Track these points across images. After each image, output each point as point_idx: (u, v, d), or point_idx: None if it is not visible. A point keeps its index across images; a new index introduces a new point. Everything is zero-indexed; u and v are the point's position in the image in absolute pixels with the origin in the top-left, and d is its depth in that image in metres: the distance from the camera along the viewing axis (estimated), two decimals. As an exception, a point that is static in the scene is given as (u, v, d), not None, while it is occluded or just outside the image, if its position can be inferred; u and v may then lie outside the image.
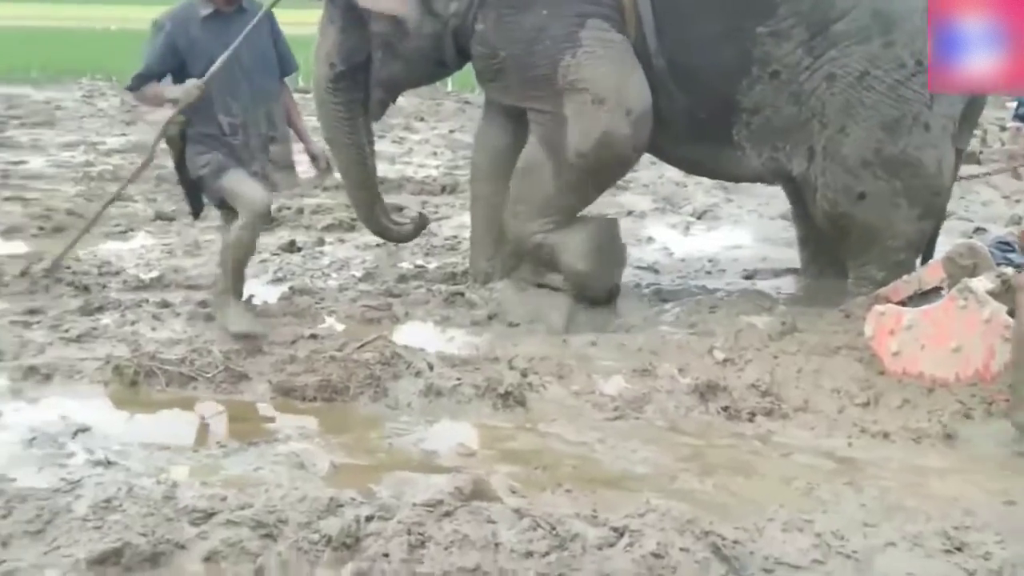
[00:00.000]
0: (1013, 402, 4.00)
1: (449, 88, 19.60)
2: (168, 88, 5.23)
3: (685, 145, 5.76)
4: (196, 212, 5.66)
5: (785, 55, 5.25)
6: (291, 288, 6.01)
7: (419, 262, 6.78)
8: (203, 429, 4.15)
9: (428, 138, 13.00)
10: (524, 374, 4.65)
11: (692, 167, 6.28)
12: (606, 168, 5.61)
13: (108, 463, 3.68)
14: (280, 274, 6.44)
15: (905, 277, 5.04)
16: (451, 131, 13.63)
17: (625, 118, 5.39)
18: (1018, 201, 8.95)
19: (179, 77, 5.21)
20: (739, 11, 5.27)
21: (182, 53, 5.18)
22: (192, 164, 5.28)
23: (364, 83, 5.90)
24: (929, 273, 4.87)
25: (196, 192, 5.44)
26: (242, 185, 5.20)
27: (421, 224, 6.54)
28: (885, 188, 5.34)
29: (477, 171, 6.20)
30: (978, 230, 7.54)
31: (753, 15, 5.25)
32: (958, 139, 5.51)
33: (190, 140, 5.25)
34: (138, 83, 5.23)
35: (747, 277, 6.56)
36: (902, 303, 4.75)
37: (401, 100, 16.98)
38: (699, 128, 5.58)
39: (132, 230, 7.62)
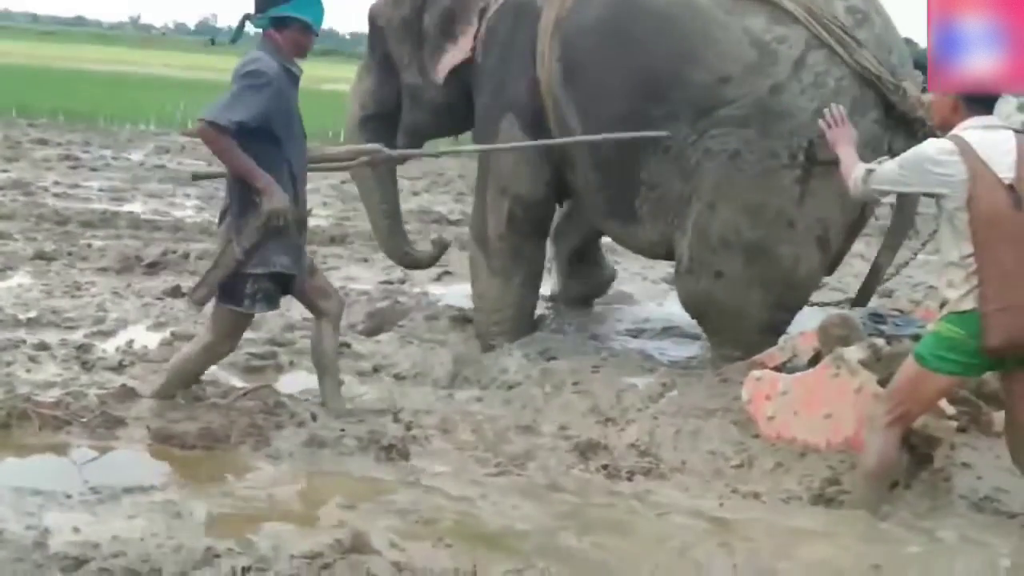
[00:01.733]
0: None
1: (342, 139, 19.59)
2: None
3: (602, 219, 6.06)
4: (203, 302, 4.69)
5: (676, 133, 5.32)
6: (173, 334, 5.92)
7: (306, 313, 6.73)
8: (76, 475, 4.02)
9: (319, 187, 12.94)
10: (408, 427, 4.66)
11: (615, 239, 6.42)
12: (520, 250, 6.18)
13: (-24, 507, 3.57)
14: (162, 319, 6.33)
15: (780, 344, 5.20)
16: (342, 182, 13.56)
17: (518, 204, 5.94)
18: (890, 276, 9.27)
19: (258, 135, 4.45)
20: (639, 95, 5.39)
21: (272, 110, 4.53)
22: (269, 255, 4.51)
23: (392, 127, 6.49)
24: (803, 341, 5.02)
25: (237, 283, 4.57)
26: (327, 283, 5.01)
27: (441, 247, 6.87)
28: (741, 272, 5.32)
29: None
30: (849, 301, 7.79)
31: (651, 99, 5.36)
32: (845, 243, 5.62)
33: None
34: (234, 129, 4.36)
35: (632, 336, 6.69)
36: (777, 369, 4.90)
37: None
38: (609, 203, 5.79)
39: (10, 269, 7.43)
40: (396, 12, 6.43)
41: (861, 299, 5.81)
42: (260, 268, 4.51)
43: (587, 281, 7.42)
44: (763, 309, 5.41)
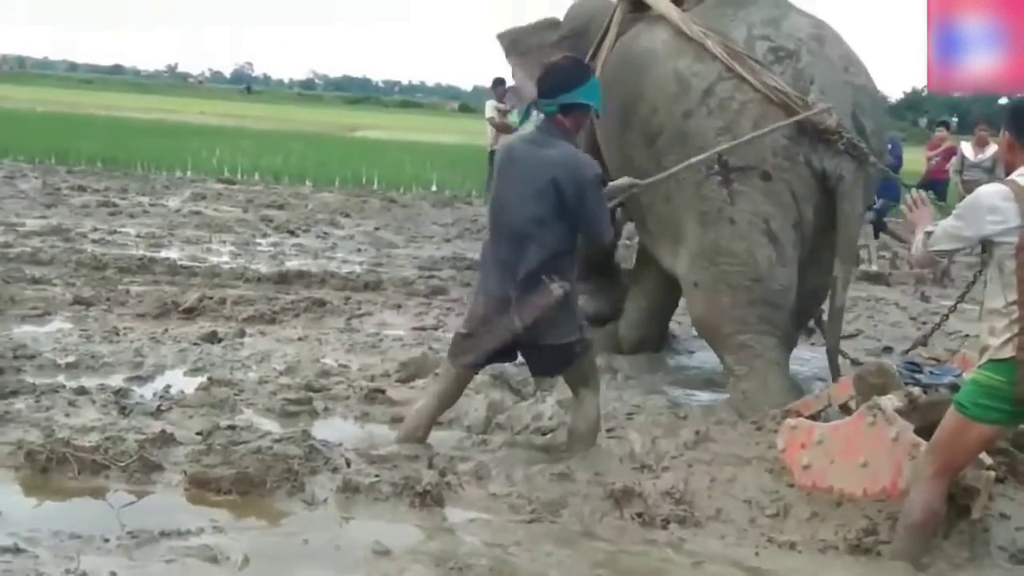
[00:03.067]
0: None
1: (375, 185, 19.78)
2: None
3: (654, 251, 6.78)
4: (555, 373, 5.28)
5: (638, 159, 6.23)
6: (210, 379, 5.96)
7: (341, 359, 6.78)
8: (114, 519, 4.05)
9: (352, 234, 13.09)
10: (443, 473, 4.67)
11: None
12: None
13: (17, 550, 3.63)
14: (199, 364, 6.38)
15: (816, 393, 5.19)
16: (376, 228, 13.73)
17: None
18: (925, 323, 9.24)
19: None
20: (621, 129, 6.33)
21: None
22: (567, 326, 4.91)
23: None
24: (839, 390, 5.01)
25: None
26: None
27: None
28: (708, 276, 5.88)
29: None
30: (886, 350, 7.77)
31: (626, 131, 6.29)
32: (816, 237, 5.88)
33: (567, 297, 4.84)
34: None
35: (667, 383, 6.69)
36: (813, 417, 4.88)
37: (327, 196, 17.20)
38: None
39: (49, 314, 7.52)
40: None
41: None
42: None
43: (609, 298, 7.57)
44: (738, 307, 5.82)
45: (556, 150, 4.79)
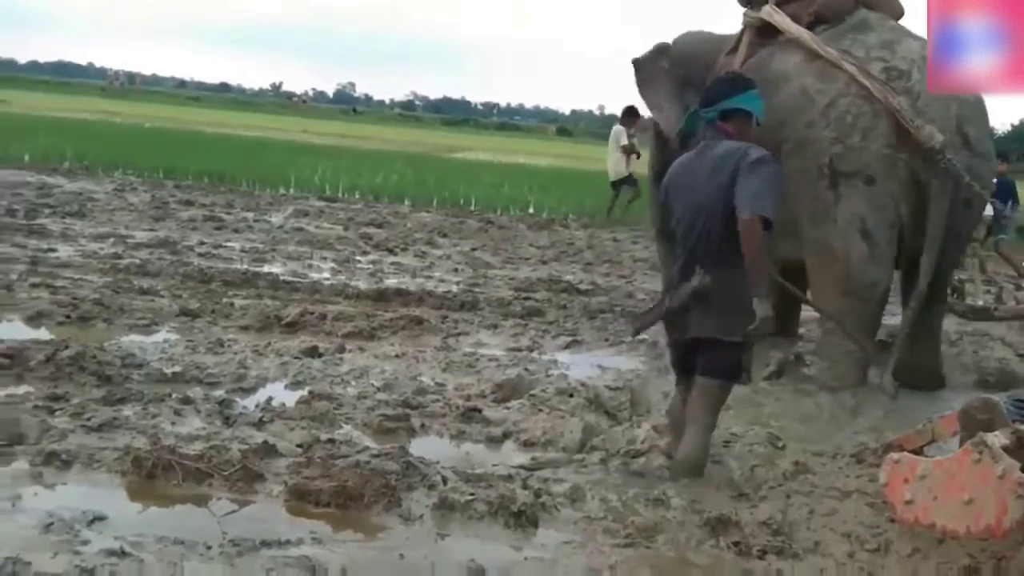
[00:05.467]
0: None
1: (473, 206, 19.93)
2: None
3: None
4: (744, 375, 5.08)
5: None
6: (310, 392, 6.07)
7: (437, 377, 6.84)
8: (216, 527, 4.15)
9: (450, 254, 13.19)
10: (537, 494, 4.67)
11: None
12: None
13: (123, 553, 3.72)
14: (300, 378, 6.50)
15: (919, 426, 5.09)
16: (472, 249, 13.82)
17: None
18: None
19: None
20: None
21: None
22: (720, 322, 4.87)
23: None
24: (943, 424, 4.91)
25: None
26: None
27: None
28: (814, 265, 6.94)
29: None
30: (995, 385, 7.58)
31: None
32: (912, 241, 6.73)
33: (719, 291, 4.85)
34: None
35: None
36: (916, 452, 4.79)
37: (425, 216, 17.39)
38: None
39: (156, 324, 7.73)
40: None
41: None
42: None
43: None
44: (831, 297, 6.73)
45: (723, 147, 4.92)
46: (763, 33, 7.54)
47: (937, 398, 6.83)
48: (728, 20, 8.57)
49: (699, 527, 4.45)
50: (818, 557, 4.32)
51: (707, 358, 4.93)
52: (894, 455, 4.66)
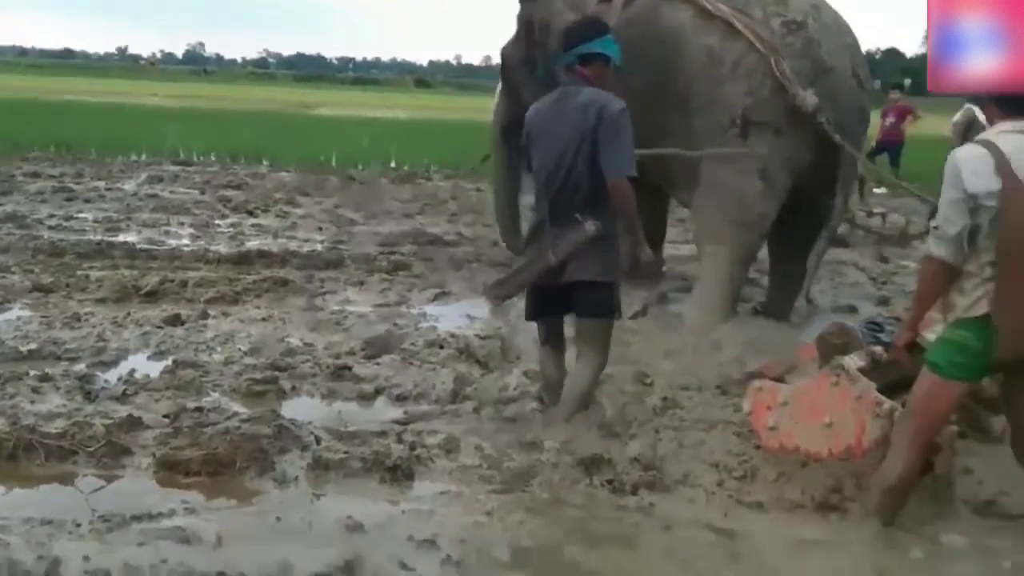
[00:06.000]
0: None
1: (333, 164, 19.66)
2: None
3: None
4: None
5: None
6: (174, 361, 5.93)
7: (306, 337, 6.76)
8: (85, 504, 4.04)
9: (312, 212, 12.98)
10: (412, 447, 4.68)
11: None
12: None
13: (-14, 538, 3.59)
14: (163, 348, 6.33)
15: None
16: (335, 206, 13.63)
17: None
18: (884, 283, 9.36)
19: None
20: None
21: None
22: (604, 266, 4.90)
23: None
24: (802, 352, 5.07)
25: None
26: None
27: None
28: (704, 199, 7.02)
29: None
30: (850, 309, 7.87)
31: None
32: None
33: (603, 237, 4.88)
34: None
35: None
36: (777, 379, 4.93)
37: (285, 175, 17.04)
38: None
39: (8, 301, 7.43)
40: (515, 51, 8.22)
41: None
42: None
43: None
44: (717, 223, 6.89)
45: (584, 94, 4.88)
46: None
47: (796, 327, 7.05)
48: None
49: (573, 468, 4.51)
50: (688, 488, 4.44)
51: (588, 300, 4.94)
52: (756, 383, 4.79)
